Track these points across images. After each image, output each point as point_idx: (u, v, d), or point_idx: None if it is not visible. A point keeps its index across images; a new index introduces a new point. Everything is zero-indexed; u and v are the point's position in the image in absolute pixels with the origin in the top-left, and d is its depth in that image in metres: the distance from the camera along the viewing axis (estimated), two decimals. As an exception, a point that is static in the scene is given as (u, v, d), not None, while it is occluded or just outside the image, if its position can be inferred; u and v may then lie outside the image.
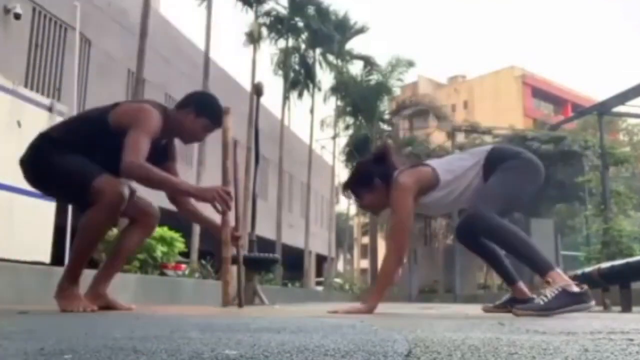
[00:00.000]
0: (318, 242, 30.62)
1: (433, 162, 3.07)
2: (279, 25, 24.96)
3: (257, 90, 5.84)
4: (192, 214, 3.11)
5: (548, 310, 2.56)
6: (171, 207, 3.08)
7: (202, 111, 2.88)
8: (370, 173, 3.10)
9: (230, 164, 3.03)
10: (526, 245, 2.77)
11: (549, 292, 2.60)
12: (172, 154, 3.04)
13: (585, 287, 2.68)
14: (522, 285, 3.19)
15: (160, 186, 2.78)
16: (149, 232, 3.13)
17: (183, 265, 9.64)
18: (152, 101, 2.93)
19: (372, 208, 3.20)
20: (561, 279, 2.63)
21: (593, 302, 2.64)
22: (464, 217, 2.89)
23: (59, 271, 3.15)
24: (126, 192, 2.59)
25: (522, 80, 52.51)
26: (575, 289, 2.60)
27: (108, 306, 2.95)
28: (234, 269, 3.17)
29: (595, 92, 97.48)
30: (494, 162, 2.93)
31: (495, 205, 2.81)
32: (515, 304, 3.03)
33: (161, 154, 2.91)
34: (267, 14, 24.50)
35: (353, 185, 3.19)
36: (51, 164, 2.71)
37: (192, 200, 3.00)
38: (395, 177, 2.99)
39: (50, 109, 5.71)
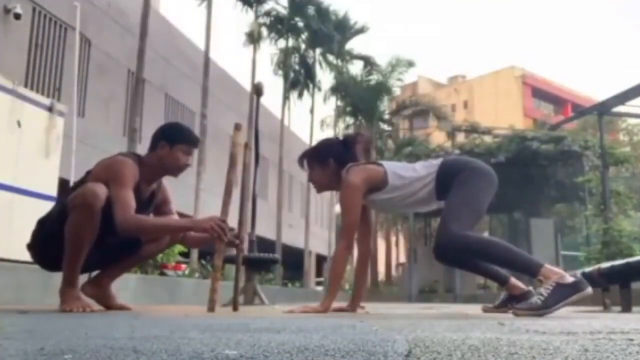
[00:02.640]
0: (318, 242, 30.61)
1: (388, 165, 3.08)
2: (279, 25, 24.97)
3: (257, 90, 5.83)
4: (198, 243, 3.23)
5: (546, 308, 2.57)
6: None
7: (174, 140, 2.92)
8: (329, 151, 3.14)
9: (233, 175, 3.06)
10: (509, 251, 2.79)
11: (544, 290, 2.61)
12: (165, 197, 3.08)
13: (579, 274, 2.69)
14: (514, 281, 3.21)
15: (158, 231, 2.89)
16: (170, 243, 3.22)
17: (183, 265, 9.65)
18: (125, 152, 3.00)
19: (317, 184, 3.22)
20: (553, 273, 2.64)
21: (590, 289, 2.63)
22: (438, 239, 2.87)
23: (59, 271, 3.15)
24: (96, 188, 2.62)
25: (522, 80, 52.50)
26: (569, 279, 2.60)
27: (104, 299, 2.99)
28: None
29: (595, 92, 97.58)
30: (447, 175, 2.94)
31: (465, 222, 2.81)
32: (514, 301, 3.05)
33: (148, 203, 2.95)
34: (267, 14, 24.52)
35: (309, 156, 3.21)
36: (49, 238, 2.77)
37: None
38: (346, 171, 3.01)
39: (50, 109, 5.71)
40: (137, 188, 2.80)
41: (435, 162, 3.04)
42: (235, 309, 3.22)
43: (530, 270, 2.70)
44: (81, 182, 2.82)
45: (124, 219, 2.62)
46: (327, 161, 3.12)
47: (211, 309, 2.82)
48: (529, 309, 2.63)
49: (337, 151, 3.13)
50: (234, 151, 3.05)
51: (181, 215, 3.20)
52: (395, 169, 3.05)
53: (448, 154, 21.18)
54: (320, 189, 3.25)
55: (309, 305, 3.14)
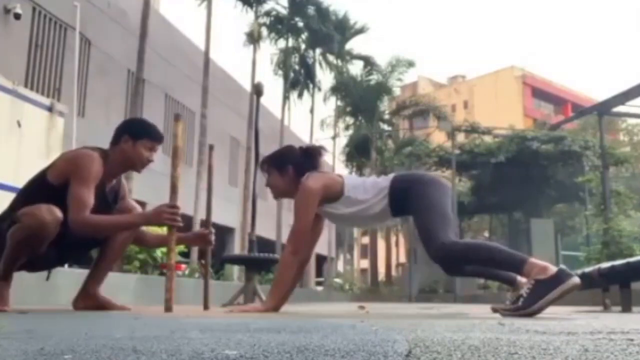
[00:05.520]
0: (318, 242, 30.56)
1: (347, 177, 3.09)
2: (279, 25, 24.98)
3: (257, 90, 5.85)
4: (156, 244, 3.33)
5: (524, 309, 2.54)
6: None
7: (138, 134, 2.90)
8: (290, 159, 3.11)
9: (179, 170, 2.95)
10: (496, 250, 2.78)
11: (524, 290, 2.59)
12: (124, 192, 3.05)
13: (562, 267, 2.62)
14: (520, 279, 3.19)
15: (110, 230, 2.85)
16: (133, 233, 3.14)
17: (183, 265, 9.65)
18: (91, 146, 2.94)
19: (274, 190, 3.18)
20: (532, 269, 2.58)
21: (575, 279, 2.52)
22: (435, 257, 2.83)
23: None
24: (48, 217, 2.54)
25: (522, 80, 52.50)
26: (549, 272, 2.53)
27: (101, 306, 2.95)
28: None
29: (595, 92, 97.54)
30: (399, 191, 2.94)
31: (444, 231, 2.80)
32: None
33: (111, 201, 2.93)
34: (267, 14, 24.53)
35: (270, 161, 3.18)
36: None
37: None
38: (305, 178, 2.98)
39: (50, 109, 5.71)
40: (101, 185, 2.78)
41: (387, 178, 3.04)
42: (206, 307, 3.23)
43: (518, 265, 2.68)
44: (42, 175, 2.78)
45: (77, 219, 2.60)
46: (285, 168, 3.08)
47: (169, 309, 2.79)
48: (508, 309, 2.64)
49: (298, 160, 3.10)
50: (175, 144, 2.97)
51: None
52: (353, 182, 3.05)
53: (448, 154, 21.21)
54: (276, 195, 3.22)
55: (249, 305, 3.15)
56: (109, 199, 2.91)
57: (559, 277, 2.51)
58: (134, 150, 2.87)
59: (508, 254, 2.74)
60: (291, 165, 3.08)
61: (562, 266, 2.65)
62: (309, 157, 3.13)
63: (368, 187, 2.99)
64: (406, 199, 2.93)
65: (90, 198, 2.66)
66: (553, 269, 2.56)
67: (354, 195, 2.96)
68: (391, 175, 3.07)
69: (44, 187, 2.72)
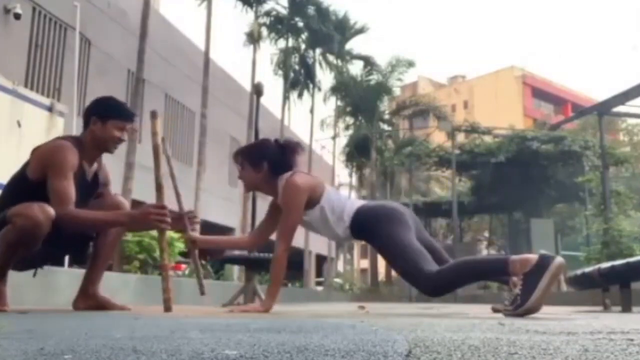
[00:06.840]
0: (318, 242, 30.60)
1: (329, 189, 3.10)
2: (279, 25, 24.96)
3: (257, 90, 5.86)
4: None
5: (522, 305, 2.55)
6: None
7: (105, 115, 2.86)
8: (265, 155, 3.07)
9: (162, 169, 2.89)
10: (478, 262, 2.80)
11: (518, 289, 2.60)
12: (105, 178, 3.02)
13: (541, 252, 2.64)
14: (514, 277, 3.20)
15: (95, 226, 2.83)
16: (124, 229, 3.13)
17: (183, 265, 9.65)
18: (64, 135, 2.91)
19: (246, 183, 3.17)
20: (517, 265, 2.60)
21: (559, 259, 2.55)
22: (422, 290, 2.89)
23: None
24: (41, 217, 2.50)
25: (522, 80, 52.50)
26: (532, 262, 2.54)
27: (101, 306, 2.94)
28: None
29: (595, 92, 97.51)
30: (360, 224, 2.99)
31: (423, 263, 2.81)
32: None
33: (93, 185, 2.91)
34: (267, 14, 24.51)
35: (243, 153, 3.15)
36: None
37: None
38: (291, 176, 2.97)
39: (50, 109, 5.71)
40: (80, 171, 2.77)
41: (352, 207, 3.05)
42: (202, 292, 3.16)
43: (502, 269, 2.70)
44: (21, 172, 2.76)
45: (61, 213, 2.57)
46: (260, 163, 3.05)
47: (168, 308, 2.76)
48: (508, 310, 2.65)
49: (274, 156, 3.06)
50: (155, 142, 2.91)
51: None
52: (332, 196, 3.06)
53: (448, 154, 21.22)
54: (248, 188, 3.23)
55: (249, 305, 3.15)
56: (91, 183, 2.88)
57: (543, 263, 2.53)
58: (103, 130, 2.84)
59: (488, 261, 2.79)
60: (266, 161, 3.04)
61: (542, 251, 2.69)
62: (285, 153, 3.09)
63: (338, 210, 3.02)
64: (368, 233, 3.01)
65: (71, 190, 2.64)
66: (534, 257, 2.58)
67: (327, 209, 2.99)
68: (356, 205, 3.07)
69: (24, 184, 2.71)
